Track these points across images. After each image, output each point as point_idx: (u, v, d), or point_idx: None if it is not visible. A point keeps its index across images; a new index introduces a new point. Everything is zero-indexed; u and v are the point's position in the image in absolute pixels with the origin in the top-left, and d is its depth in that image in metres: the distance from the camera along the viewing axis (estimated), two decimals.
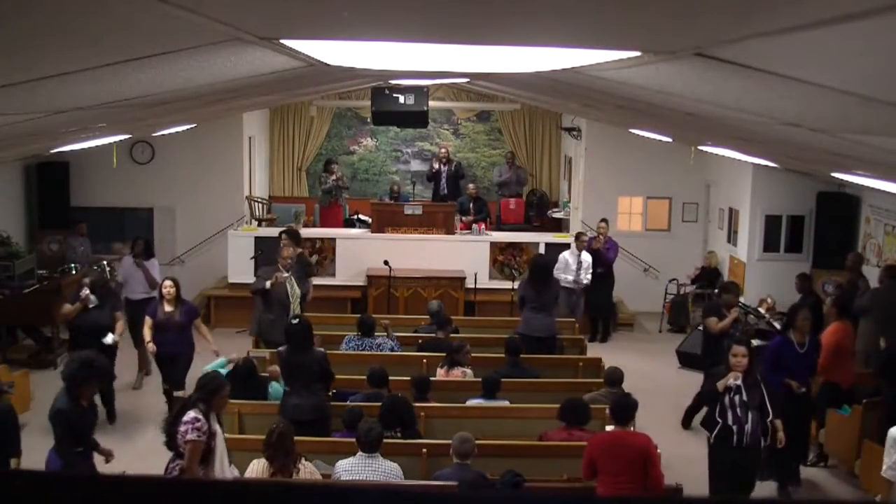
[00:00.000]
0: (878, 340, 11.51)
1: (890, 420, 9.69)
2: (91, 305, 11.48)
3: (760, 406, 8.71)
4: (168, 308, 11.47)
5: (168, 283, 11.62)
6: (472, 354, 11.04)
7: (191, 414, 7.38)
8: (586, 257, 14.98)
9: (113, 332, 11.49)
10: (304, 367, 9.03)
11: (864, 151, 6.29)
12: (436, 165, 20.13)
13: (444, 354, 10.86)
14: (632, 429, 8.12)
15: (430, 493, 1.38)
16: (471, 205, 19.21)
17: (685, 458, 9.79)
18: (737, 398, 8.61)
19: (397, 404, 8.84)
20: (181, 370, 11.48)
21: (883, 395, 10.29)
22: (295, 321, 9.26)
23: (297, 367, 9.05)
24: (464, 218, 18.28)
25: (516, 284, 15.41)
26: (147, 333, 11.45)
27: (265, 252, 16.06)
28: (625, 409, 7.95)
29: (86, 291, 11.53)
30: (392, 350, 11.30)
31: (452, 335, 11.87)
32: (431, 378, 10.38)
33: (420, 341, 11.81)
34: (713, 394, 8.82)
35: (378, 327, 11.54)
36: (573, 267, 14.87)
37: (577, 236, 15.36)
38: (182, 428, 7.32)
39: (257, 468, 7.56)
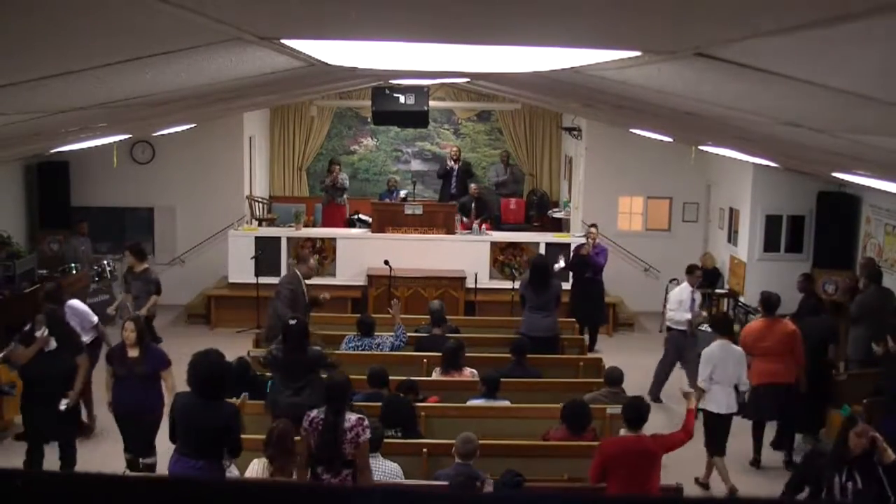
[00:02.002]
0: (870, 347, 11.48)
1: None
2: (48, 349, 9.48)
3: (880, 497, 7.28)
4: (130, 354, 9.33)
5: (129, 324, 9.42)
6: (474, 354, 11.07)
7: (353, 417, 7.31)
8: (698, 296, 13.15)
9: (73, 382, 9.59)
10: (300, 365, 9.01)
11: (864, 151, 6.30)
12: (449, 164, 20.20)
13: (440, 354, 10.86)
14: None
15: (431, 493, 1.38)
16: (472, 205, 19.22)
17: (685, 458, 9.77)
18: (849, 485, 7.31)
19: (397, 404, 8.85)
20: (146, 431, 9.43)
21: (886, 395, 10.30)
22: (293, 321, 9.23)
23: (293, 365, 9.03)
24: (465, 219, 18.23)
25: (517, 284, 15.40)
26: (106, 385, 9.59)
27: (265, 252, 16.09)
28: (638, 413, 7.91)
29: (43, 331, 9.49)
30: (392, 348, 11.27)
31: (451, 334, 11.87)
32: (430, 378, 10.43)
33: (417, 341, 11.82)
34: (817, 472, 7.66)
35: (388, 312, 11.55)
36: (687, 305, 12.88)
37: (691, 270, 13.21)
38: (351, 434, 7.21)
39: (257, 468, 7.55)
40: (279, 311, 11.25)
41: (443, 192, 20.52)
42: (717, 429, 10.26)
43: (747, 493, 10.07)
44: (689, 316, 12.88)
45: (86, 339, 10.68)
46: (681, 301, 12.95)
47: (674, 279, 17.29)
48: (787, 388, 10.79)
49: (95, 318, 11.13)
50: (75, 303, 11.17)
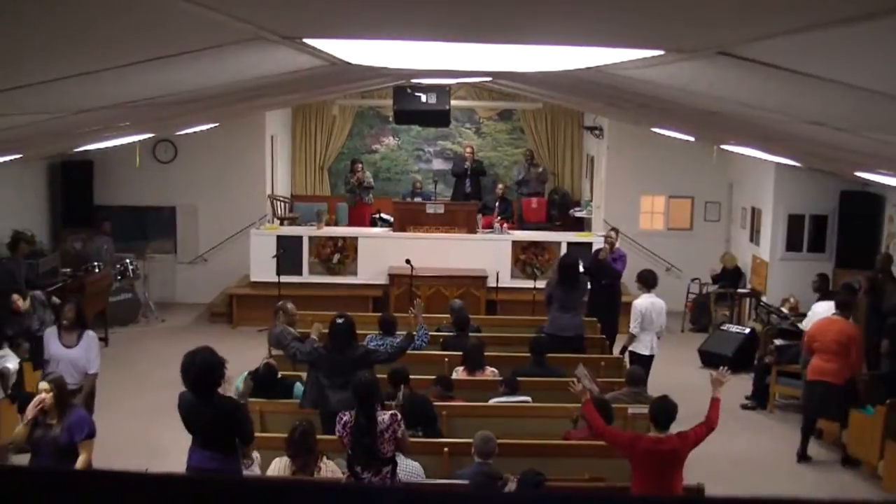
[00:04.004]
0: None
1: None
2: None
3: None
4: (48, 420, 7.64)
5: (43, 385, 7.68)
6: (495, 354, 11.11)
7: (386, 416, 7.40)
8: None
9: None
10: (346, 363, 9.01)
11: (888, 150, 6.27)
12: (465, 164, 20.25)
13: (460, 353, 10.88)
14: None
15: (450, 493, 1.38)
16: (496, 204, 19.28)
17: (707, 458, 9.74)
18: None
19: (417, 403, 8.84)
20: None
21: None
22: (341, 320, 9.20)
23: (339, 363, 9.03)
24: (493, 217, 18.25)
25: (538, 284, 15.36)
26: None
27: (287, 251, 16.13)
28: (666, 414, 7.88)
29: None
30: (413, 347, 11.26)
31: (473, 334, 11.90)
32: (452, 378, 10.43)
33: (441, 340, 11.83)
34: None
35: (410, 312, 11.51)
36: None
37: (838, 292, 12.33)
38: (388, 434, 7.32)
39: (279, 466, 7.59)
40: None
41: (456, 190, 20.63)
42: (643, 367, 11.32)
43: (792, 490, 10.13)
44: None
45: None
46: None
47: (696, 278, 17.28)
48: (838, 388, 10.76)
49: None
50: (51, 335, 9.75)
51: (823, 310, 11.97)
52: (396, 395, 9.18)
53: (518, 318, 14.45)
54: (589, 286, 14.24)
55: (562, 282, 12.32)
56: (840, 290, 12.17)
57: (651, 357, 12.06)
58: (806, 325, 12.16)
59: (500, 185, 20.44)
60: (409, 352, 11.14)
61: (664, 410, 7.87)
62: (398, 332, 11.32)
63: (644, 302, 12.07)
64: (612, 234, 14.52)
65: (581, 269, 14.29)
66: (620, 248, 14.54)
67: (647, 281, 12.28)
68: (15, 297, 11.60)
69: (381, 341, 11.10)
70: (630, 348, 12.12)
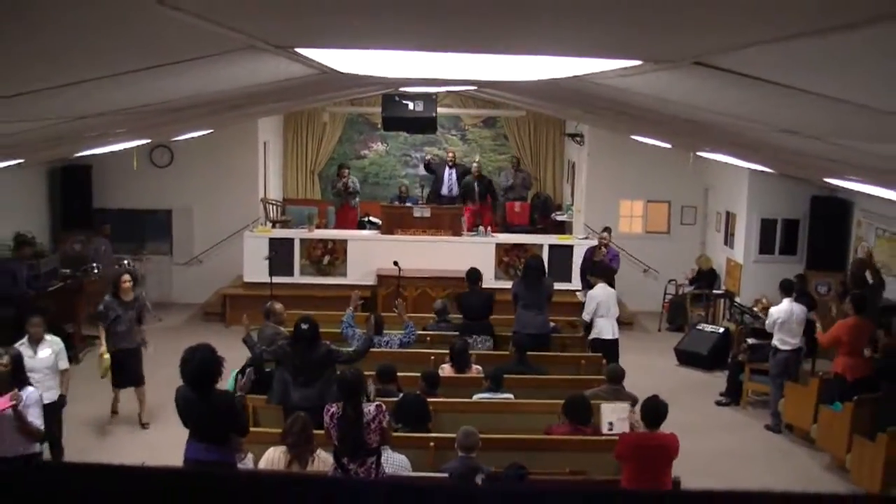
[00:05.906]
0: None
1: (889, 417, 9.98)
2: None
3: None
4: None
5: None
6: (478, 352, 11.39)
7: (371, 408, 7.59)
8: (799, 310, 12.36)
9: None
10: (312, 363, 9.27)
11: (858, 157, 6.45)
12: (444, 166, 20.41)
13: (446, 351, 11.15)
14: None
15: (433, 486, 1.49)
16: (475, 184, 19.57)
17: (683, 452, 9.97)
18: None
19: (414, 404, 9.07)
20: None
21: (883, 392, 10.57)
22: (305, 325, 9.42)
23: (304, 364, 9.30)
24: (470, 203, 18.70)
25: None
26: None
27: (279, 253, 16.36)
28: (656, 413, 8.06)
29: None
30: (401, 344, 11.50)
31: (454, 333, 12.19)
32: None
33: (428, 338, 12.14)
34: None
35: (393, 310, 11.81)
36: (794, 325, 12.29)
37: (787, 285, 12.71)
38: (374, 424, 7.50)
39: (273, 456, 7.76)
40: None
41: (432, 191, 20.43)
42: (608, 352, 12.16)
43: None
44: (797, 341, 12.48)
45: None
46: (783, 319, 12.32)
47: (672, 280, 17.60)
48: (871, 380, 11.13)
49: None
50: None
51: (783, 310, 12.25)
52: (370, 390, 9.39)
53: (501, 317, 14.66)
54: (581, 286, 14.68)
55: (524, 280, 12.63)
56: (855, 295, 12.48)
57: (616, 340, 12.73)
58: (770, 324, 12.37)
59: (475, 166, 20.25)
60: (400, 349, 11.42)
61: (653, 410, 8.07)
62: (385, 332, 11.62)
63: (599, 291, 12.87)
64: (606, 234, 14.96)
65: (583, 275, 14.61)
66: (613, 248, 14.96)
67: (601, 271, 13.41)
68: (126, 277, 11.59)
69: (352, 330, 11.23)
70: (594, 336, 12.72)
